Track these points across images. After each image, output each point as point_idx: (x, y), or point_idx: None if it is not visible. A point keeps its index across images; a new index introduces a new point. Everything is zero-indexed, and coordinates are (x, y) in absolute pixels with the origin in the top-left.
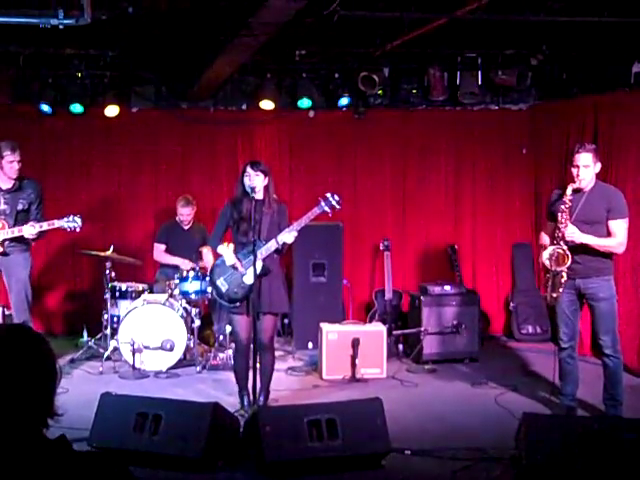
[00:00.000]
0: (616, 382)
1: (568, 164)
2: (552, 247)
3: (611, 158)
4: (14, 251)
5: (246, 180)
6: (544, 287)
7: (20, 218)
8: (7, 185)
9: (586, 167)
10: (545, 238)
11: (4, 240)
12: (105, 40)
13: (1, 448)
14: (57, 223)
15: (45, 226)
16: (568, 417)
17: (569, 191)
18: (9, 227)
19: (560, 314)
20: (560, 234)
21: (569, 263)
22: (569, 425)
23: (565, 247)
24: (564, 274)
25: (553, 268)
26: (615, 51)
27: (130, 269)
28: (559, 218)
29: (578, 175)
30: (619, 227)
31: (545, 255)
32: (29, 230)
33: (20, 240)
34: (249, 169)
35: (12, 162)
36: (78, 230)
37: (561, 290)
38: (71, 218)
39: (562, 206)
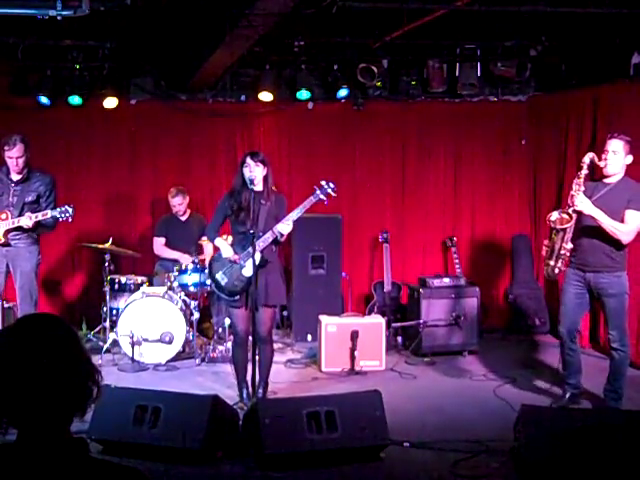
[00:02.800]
0: (620, 375)
1: (570, 155)
2: (557, 211)
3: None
4: (19, 243)
5: (246, 171)
6: (544, 260)
7: (27, 210)
8: (17, 177)
9: (615, 153)
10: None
11: (7, 231)
12: (103, 32)
13: (25, 441)
14: (50, 213)
15: (39, 216)
16: (567, 409)
17: (586, 158)
18: (12, 218)
19: (562, 303)
20: (570, 201)
21: (572, 223)
22: (568, 417)
23: (571, 211)
24: (564, 243)
25: (555, 225)
26: (614, 42)
27: (129, 261)
28: (573, 186)
29: (606, 159)
30: (633, 217)
31: (551, 217)
32: (25, 221)
33: (26, 233)
34: (249, 160)
35: (11, 158)
36: (70, 220)
37: (560, 265)
38: (64, 208)
39: (579, 172)
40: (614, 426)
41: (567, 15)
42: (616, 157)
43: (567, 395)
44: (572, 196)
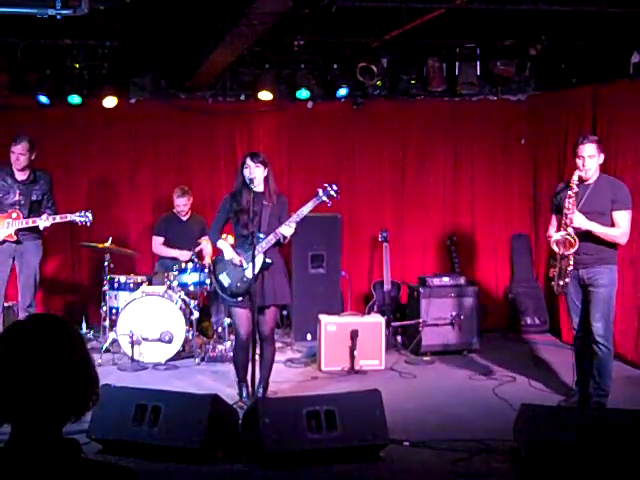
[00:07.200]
0: (604, 372)
1: (569, 154)
2: (560, 233)
3: (609, 148)
4: (27, 239)
5: (246, 172)
6: (551, 277)
7: (34, 208)
8: (22, 177)
9: (591, 157)
10: (552, 230)
11: (18, 230)
12: (103, 31)
13: (18, 441)
14: (70, 217)
15: (58, 219)
16: (566, 409)
17: (575, 178)
18: (24, 217)
19: (570, 304)
20: (567, 220)
21: (576, 247)
22: (567, 416)
23: (573, 233)
24: (570, 261)
25: (561, 252)
26: (614, 41)
27: (129, 261)
28: (566, 205)
29: (584, 165)
30: (623, 218)
31: (553, 238)
32: (44, 223)
33: (33, 229)
34: (249, 161)
35: (13, 153)
36: (89, 225)
37: (567, 280)
38: (83, 213)
39: (569, 192)
40: (613, 424)
41: (567, 14)
42: (592, 161)
43: (577, 396)
44: (566, 215)
